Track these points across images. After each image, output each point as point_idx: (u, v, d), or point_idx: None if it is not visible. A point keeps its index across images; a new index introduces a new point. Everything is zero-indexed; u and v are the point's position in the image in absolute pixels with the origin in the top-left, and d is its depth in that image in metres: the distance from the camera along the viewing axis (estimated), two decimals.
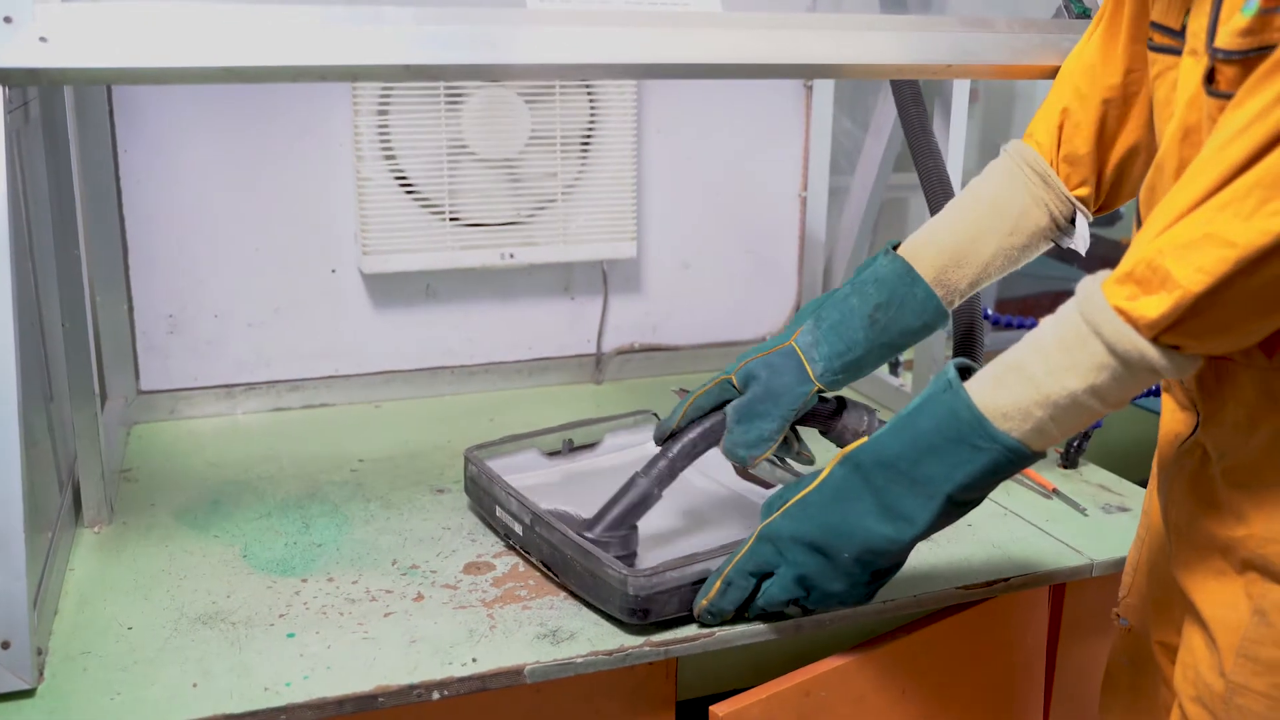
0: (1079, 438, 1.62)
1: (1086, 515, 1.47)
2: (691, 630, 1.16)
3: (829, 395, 1.24)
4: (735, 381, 1.24)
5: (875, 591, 1.12)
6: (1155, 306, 0.83)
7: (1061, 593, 1.40)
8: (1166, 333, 0.84)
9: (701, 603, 1.16)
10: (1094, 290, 0.88)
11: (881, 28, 1.30)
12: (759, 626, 1.17)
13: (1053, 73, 1.36)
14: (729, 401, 1.25)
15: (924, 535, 1.04)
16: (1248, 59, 0.83)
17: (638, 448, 1.57)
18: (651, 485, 1.24)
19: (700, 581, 1.16)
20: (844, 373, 1.22)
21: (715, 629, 1.17)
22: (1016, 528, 1.44)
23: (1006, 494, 1.54)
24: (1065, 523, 1.45)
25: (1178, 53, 0.97)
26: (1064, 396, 0.90)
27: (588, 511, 1.33)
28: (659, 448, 1.28)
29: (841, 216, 2.17)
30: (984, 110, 2.87)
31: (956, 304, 1.24)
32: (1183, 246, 0.81)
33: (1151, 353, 0.85)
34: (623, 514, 1.23)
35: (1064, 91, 1.20)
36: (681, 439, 1.25)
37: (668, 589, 1.15)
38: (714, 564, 1.16)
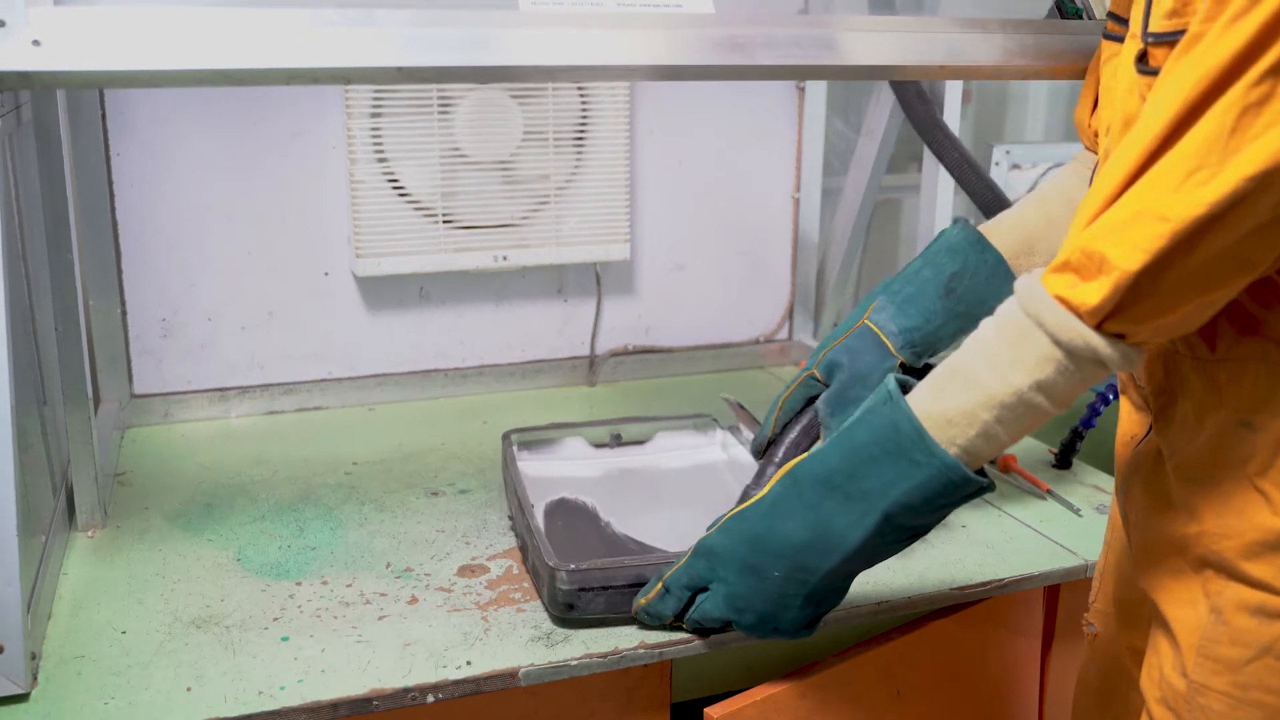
0: (1072, 438, 1.62)
1: (1080, 516, 1.48)
2: (687, 633, 1.16)
3: (917, 366, 1.22)
4: (818, 375, 1.22)
5: (815, 622, 1.09)
6: (1095, 292, 0.82)
7: (1056, 593, 1.41)
8: (1110, 319, 0.83)
9: (639, 601, 1.15)
10: (1033, 284, 0.87)
11: (874, 29, 1.30)
12: None
13: (1045, 73, 1.36)
14: (816, 397, 1.23)
15: (860, 558, 1.01)
16: (1173, 41, 0.83)
17: (688, 451, 1.56)
18: None
19: (633, 585, 1.16)
20: (922, 345, 1.20)
21: (685, 628, 1.16)
22: (1010, 528, 1.44)
23: (1000, 495, 1.54)
24: (1059, 523, 1.45)
25: (1124, 40, 0.98)
26: (1010, 395, 0.88)
27: (616, 506, 1.34)
28: (758, 460, 1.27)
29: (834, 217, 2.18)
30: (976, 110, 2.87)
31: None
32: (1115, 228, 0.81)
33: (1096, 340, 0.84)
34: None
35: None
36: (783, 443, 1.24)
37: (594, 587, 1.16)
38: (648, 568, 1.16)
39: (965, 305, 1.20)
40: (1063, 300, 0.84)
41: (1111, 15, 1.04)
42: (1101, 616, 1.18)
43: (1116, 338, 0.84)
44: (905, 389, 0.97)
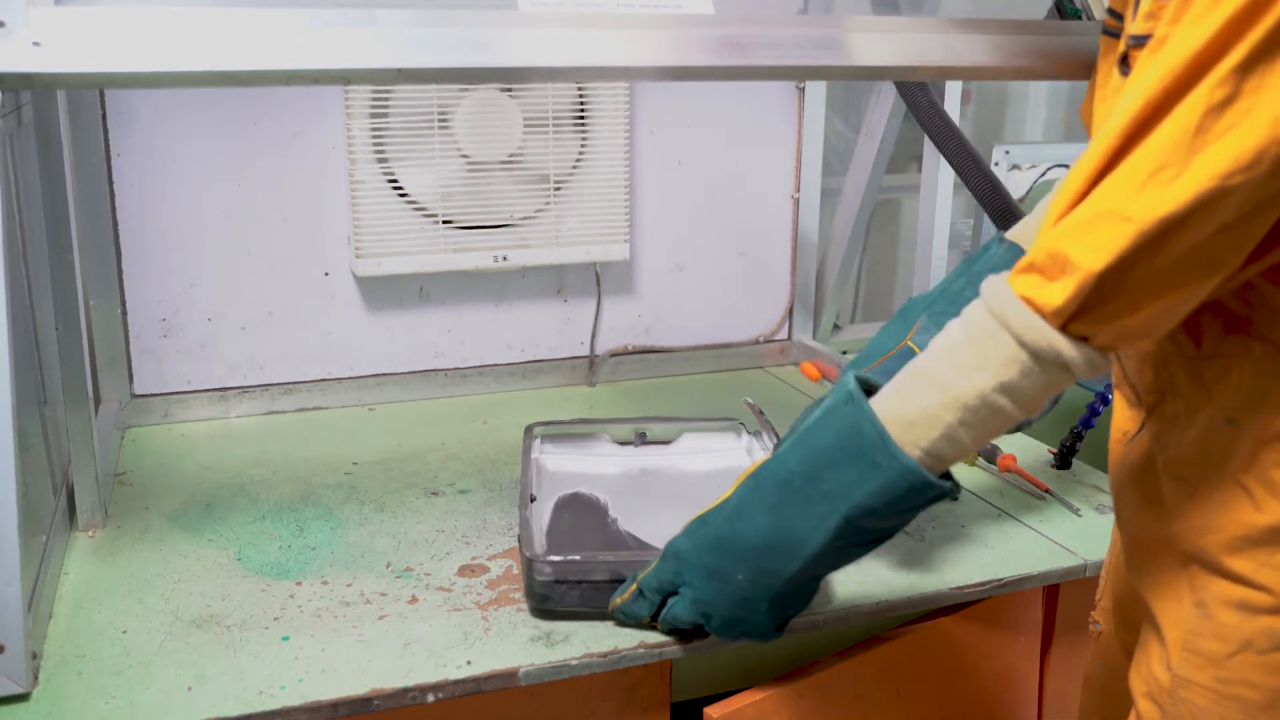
0: (1072, 438, 1.62)
1: (1080, 516, 1.48)
2: (686, 632, 1.16)
3: None
4: None
5: (784, 624, 1.09)
6: (1059, 293, 0.81)
7: (1055, 593, 1.41)
8: (1074, 320, 0.83)
9: (616, 600, 1.15)
10: (999, 284, 0.87)
11: (873, 29, 1.30)
12: None
13: (1045, 73, 1.36)
14: None
15: (822, 561, 1.00)
16: (1148, 44, 0.84)
17: (712, 454, 1.55)
18: None
19: (609, 581, 1.16)
20: None
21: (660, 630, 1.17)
22: (1010, 528, 1.44)
23: (1000, 495, 1.54)
24: (1059, 523, 1.46)
25: (1119, 36, 0.98)
26: (973, 397, 0.88)
27: (630, 504, 1.35)
28: None
29: (834, 217, 2.18)
30: (976, 110, 2.87)
31: None
32: (1079, 228, 0.80)
33: (1060, 342, 0.83)
34: None
35: None
36: None
37: (569, 580, 1.16)
38: (625, 565, 1.17)
39: None
40: (1028, 301, 0.84)
41: (1111, 11, 1.04)
42: (1106, 614, 1.18)
43: (1081, 341, 0.84)
44: (869, 390, 0.97)
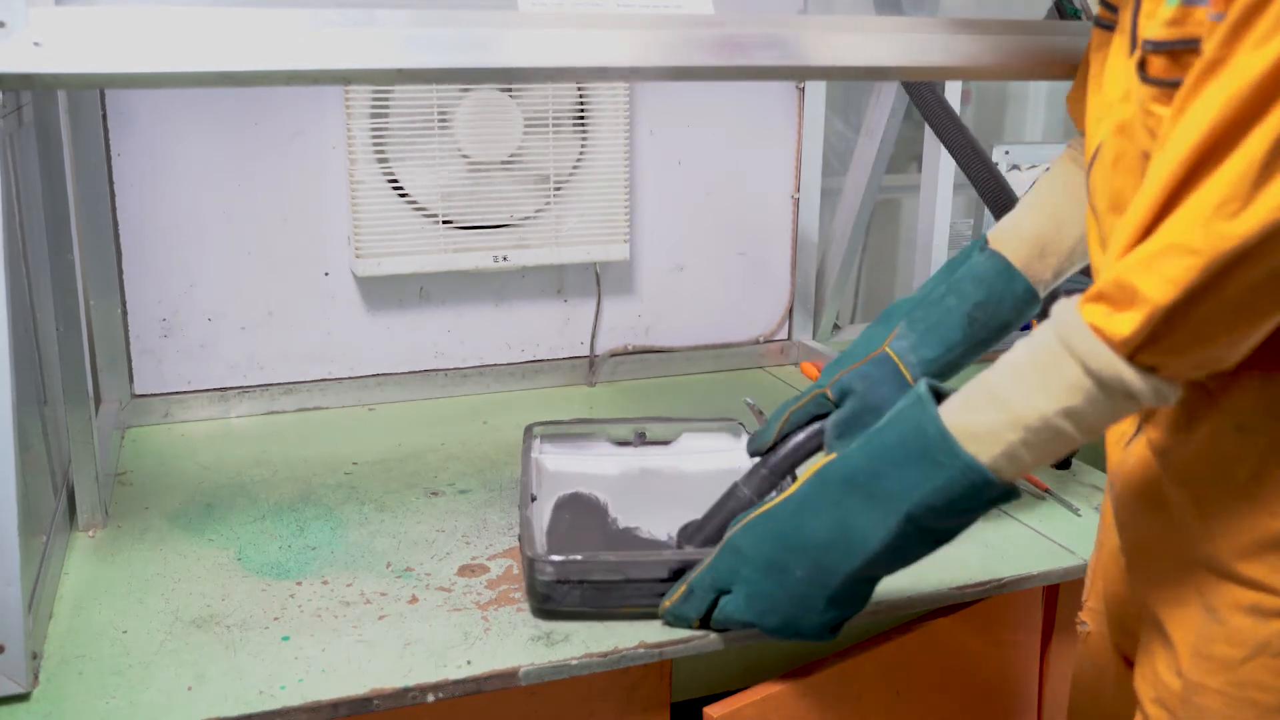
0: None
1: (1080, 516, 1.48)
2: (686, 632, 1.16)
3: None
4: (830, 395, 1.22)
5: (838, 628, 1.10)
6: (1128, 323, 0.81)
7: (1055, 593, 1.41)
8: (1141, 351, 0.82)
9: (665, 604, 1.16)
10: (1069, 310, 0.86)
11: (873, 29, 1.30)
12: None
13: (1045, 73, 1.36)
14: (824, 415, 1.23)
15: (881, 561, 1.01)
16: (1174, 50, 0.83)
17: (711, 454, 1.54)
18: (753, 496, 1.25)
19: (610, 580, 1.17)
20: (941, 375, 1.19)
21: (711, 630, 1.17)
22: (1010, 528, 1.44)
23: None
24: (1059, 523, 1.46)
25: (1113, 28, 0.97)
26: (1036, 419, 0.88)
27: (629, 504, 1.35)
28: (755, 459, 1.27)
29: (834, 217, 2.18)
30: (976, 110, 2.87)
31: (1043, 295, 1.20)
32: (1147, 260, 0.80)
33: (1128, 373, 0.83)
34: (724, 524, 1.21)
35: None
36: (780, 450, 1.25)
37: (570, 580, 1.16)
38: (626, 565, 1.17)
39: (986, 333, 1.19)
40: (1097, 330, 0.84)
41: (1103, 2, 1.03)
42: (1094, 615, 1.18)
43: (1149, 371, 0.83)
44: (939, 396, 0.97)
